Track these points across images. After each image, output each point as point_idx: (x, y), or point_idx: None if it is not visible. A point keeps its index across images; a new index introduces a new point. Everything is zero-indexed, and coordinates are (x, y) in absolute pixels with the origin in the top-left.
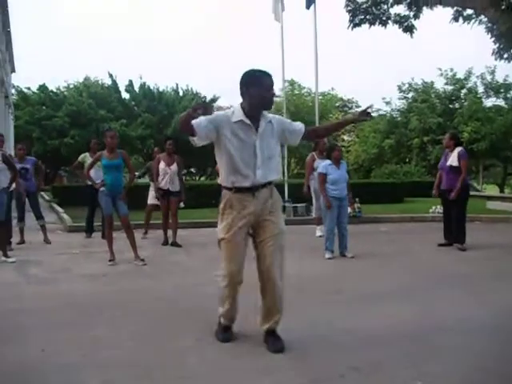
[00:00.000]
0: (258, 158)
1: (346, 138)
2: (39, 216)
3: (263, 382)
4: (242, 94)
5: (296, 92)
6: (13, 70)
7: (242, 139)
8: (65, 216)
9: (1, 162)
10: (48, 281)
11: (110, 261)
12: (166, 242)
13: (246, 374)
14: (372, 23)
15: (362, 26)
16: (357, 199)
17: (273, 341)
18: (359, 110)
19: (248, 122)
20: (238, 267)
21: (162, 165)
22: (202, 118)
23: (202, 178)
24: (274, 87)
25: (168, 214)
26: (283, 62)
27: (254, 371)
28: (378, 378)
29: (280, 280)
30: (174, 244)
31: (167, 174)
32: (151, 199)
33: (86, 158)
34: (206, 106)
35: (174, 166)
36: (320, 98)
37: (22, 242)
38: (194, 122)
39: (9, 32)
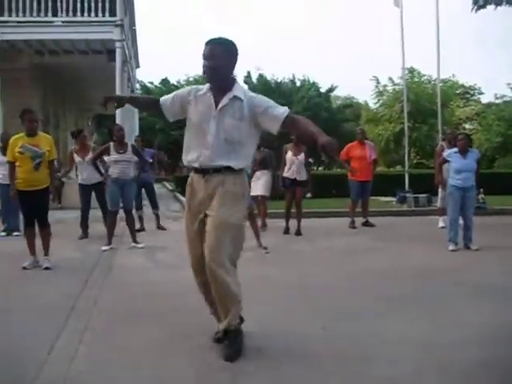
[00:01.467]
0: (208, 136)
1: (467, 126)
2: (155, 206)
3: None
4: None
5: (416, 80)
6: (137, 66)
7: (200, 114)
8: None
9: (131, 152)
10: (175, 266)
11: None
12: (287, 231)
13: None
14: (498, 3)
15: (487, 7)
16: (481, 190)
17: (226, 345)
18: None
19: (209, 94)
20: (196, 263)
21: (289, 154)
22: (169, 95)
23: (320, 168)
24: (215, 56)
25: (291, 203)
26: (403, 49)
27: None
28: None
29: (226, 276)
30: (298, 233)
31: (294, 163)
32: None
33: None
34: (117, 99)
35: (302, 156)
36: (440, 85)
37: (142, 229)
38: (161, 100)
39: (134, 30)
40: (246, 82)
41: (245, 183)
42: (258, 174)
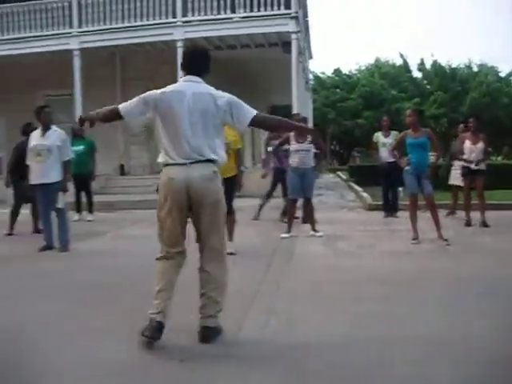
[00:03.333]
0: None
1: None
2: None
3: None
4: None
5: None
6: (310, 57)
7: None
8: (364, 195)
9: (309, 142)
10: (353, 255)
11: (413, 239)
12: (468, 223)
13: None
14: None
15: None
16: None
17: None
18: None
19: (179, 89)
20: None
21: (467, 143)
22: (131, 102)
23: (499, 158)
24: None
25: (470, 193)
26: None
27: None
28: None
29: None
30: (483, 224)
31: (473, 152)
32: (454, 179)
33: (379, 137)
34: (89, 118)
35: (480, 144)
36: None
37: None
38: (121, 108)
39: (307, 21)
40: (420, 70)
41: None
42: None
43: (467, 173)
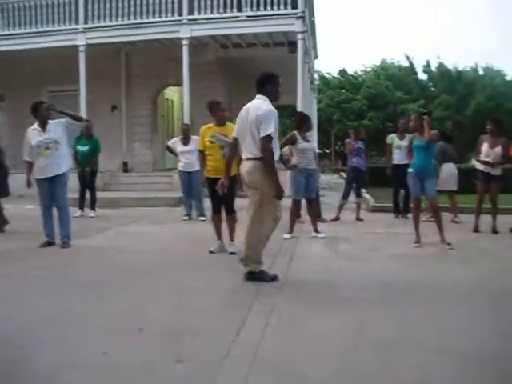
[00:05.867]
0: None
1: None
2: (358, 194)
3: None
4: None
5: None
6: (316, 57)
7: None
8: (367, 196)
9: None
10: (357, 258)
11: (415, 242)
12: (476, 228)
13: None
14: None
15: None
16: None
17: None
18: None
19: None
20: None
21: (484, 146)
22: None
23: None
24: None
25: (482, 198)
26: None
27: None
28: None
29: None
30: (494, 231)
31: (490, 156)
32: (445, 184)
33: (394, 139)
34: None
35: (499, 149)
36: None
37: (337, 218)
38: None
39: (313, 21)
40: (425, 72)
41: None
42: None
43: (483, 178)
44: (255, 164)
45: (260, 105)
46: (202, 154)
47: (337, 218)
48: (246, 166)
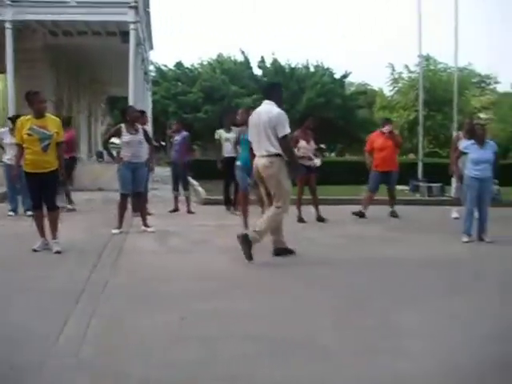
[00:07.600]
0: None
1: (482, 115)
2: (184, 187)
3: None
4: None
5: (431, 68)
6: (151, 48)
7: None
8: (199, 189)
9: (142, 135)
10: (184, 251)
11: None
12: (301, 219)
13: None
14: None
15: None
16: (495, 181)
17: None
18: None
19: None
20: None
21: (302, 143)
22: None
23: (332, 155)
24: None
25: (303, 189)
26: (420, 36)
27: None
28: None
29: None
30: (319, 219)
31: (309, 151)
32: None
33: (221, 133)
34: None
35: (312, 143)
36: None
37: (176, 209)
38: None
39: (148, 12)
40: (260, 67)
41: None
42: None
43: (304, 171)
44: (270, 159)
45: (270, 108)
46: (20, 147)
47: (176, 209)
48: (261, 162)
